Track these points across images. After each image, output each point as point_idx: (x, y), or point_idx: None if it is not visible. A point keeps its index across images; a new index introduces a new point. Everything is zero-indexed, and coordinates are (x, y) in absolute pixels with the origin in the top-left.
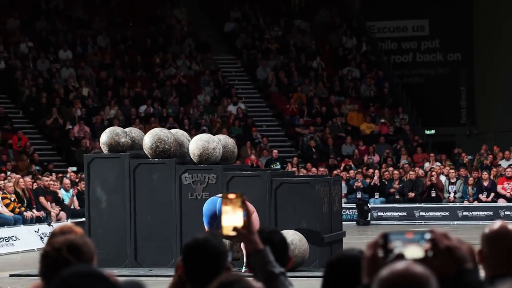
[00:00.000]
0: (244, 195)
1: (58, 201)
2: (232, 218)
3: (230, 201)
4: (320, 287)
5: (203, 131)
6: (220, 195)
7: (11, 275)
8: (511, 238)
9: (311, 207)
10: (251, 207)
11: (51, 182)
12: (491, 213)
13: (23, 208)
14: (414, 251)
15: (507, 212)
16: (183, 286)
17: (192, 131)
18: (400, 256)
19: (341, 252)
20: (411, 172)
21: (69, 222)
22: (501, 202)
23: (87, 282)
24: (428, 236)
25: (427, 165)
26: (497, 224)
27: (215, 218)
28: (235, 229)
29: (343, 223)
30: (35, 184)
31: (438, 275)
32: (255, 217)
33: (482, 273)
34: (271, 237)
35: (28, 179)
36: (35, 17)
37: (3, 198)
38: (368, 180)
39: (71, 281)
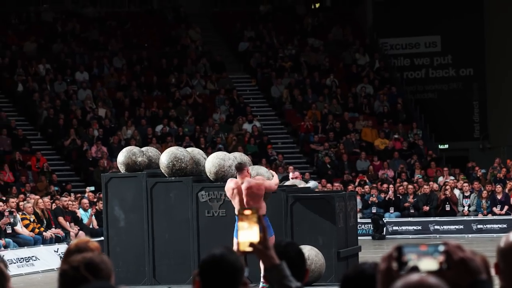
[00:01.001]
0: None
1: (77, 221)
2: (248, 234)
3: (246, 217)
4: None
5: (219, 149)
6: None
7: None
8: None
9: (327, 222)
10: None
11: (70, 202)
12: (505, 225)
13: (42, 229)
14: (428, 264)
15: None
16: None
17: (208, 150)
18: (415, 269)
19: (357, 265)
20: (425, 186)
21: (84, 237)
22: None
23: None
24: (442, 248)
25: (441, 179)
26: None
27: None
28: (251, 244)
29: (359, 237)
30: (53, 204)
31: (453, 286)
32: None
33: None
34: (287, 251)
35: (47, 199)
36: (51, 40)
37: (22, 219)
38: (383, 195)
39: None
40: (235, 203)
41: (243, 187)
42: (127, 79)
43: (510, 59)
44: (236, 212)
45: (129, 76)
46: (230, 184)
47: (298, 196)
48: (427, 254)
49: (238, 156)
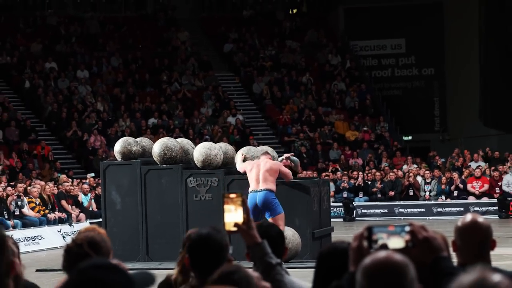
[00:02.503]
0: (244, 195)
1: (78, 204)
2: (233, 215)
3: (231, 200)
4: (313, 277)
5: (206, 140)
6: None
7: (37, 270)
8: (481, 231)
9: (303, 205)
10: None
11: (72, 187)
12: (462, 209)
13: (47, 211)
14: (396, 242)
15: (476, 208)
16: (187, 273)
17: (196, 140)
18: (384, 247)
19: (331, 245)
20: (391, 174)
21: (91, 225)
22: (471, 199)
23: (101, 272)
24: (408, 228)
25: (405, 167)
26: (468, 217)
27: (257, 210)
28: (236, 225)
29: (331, 219)
30: (56, 189)
31: (417, 263)
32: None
33: (454, 261)
34: (269, 231)
35: (51, 184)
36: (55, 42)
37: (29, 202)
38: (353, 181)
39: (88, 272)
40: (251, 177)
41: (266, 161)
42: (123, 76)
43: (467, 60)
44: (250, 190)
45: (125, 74)
46: (250, 162)
47: (276, 182)
48: (395, 233)
49: (224, 146)
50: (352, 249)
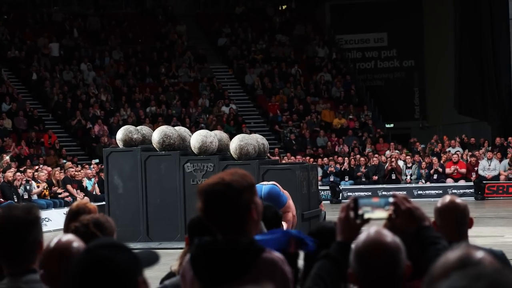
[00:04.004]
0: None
1: (82, 188)
2: None
3: None
4: (304, 255)
5: (202, 128)
6: (263, 183)
7: None
8: (459, 209)
9: (292, 189)
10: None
11: (77, 172)
12: (440, 191)
13: (52, 194)
14: (380, 213)
15: (453, 191)
16: None
17: (193, 128)
18: (369, 219)
19: (319, 224)
20: (374, 159)
21: (84, 199)
22: (449, 182)
23: (110, 251)
24: (391, 199)
25: (387, 152)
26: (447, 198)
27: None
28: None
29: None
30: (62, 174)
31: (401, 233)
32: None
33: None
34: (265, 212)
35: (57, 170)
36: (61, 37)
37: (37, 187)
38: (339, 166)
39: (96, 250)
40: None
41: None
42: (124, 69)
43: (443, 53)
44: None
45: (126, 67)
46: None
47: (268, 167)
48: (379, 205)
49: (218, 134)
50: (339, 220)
